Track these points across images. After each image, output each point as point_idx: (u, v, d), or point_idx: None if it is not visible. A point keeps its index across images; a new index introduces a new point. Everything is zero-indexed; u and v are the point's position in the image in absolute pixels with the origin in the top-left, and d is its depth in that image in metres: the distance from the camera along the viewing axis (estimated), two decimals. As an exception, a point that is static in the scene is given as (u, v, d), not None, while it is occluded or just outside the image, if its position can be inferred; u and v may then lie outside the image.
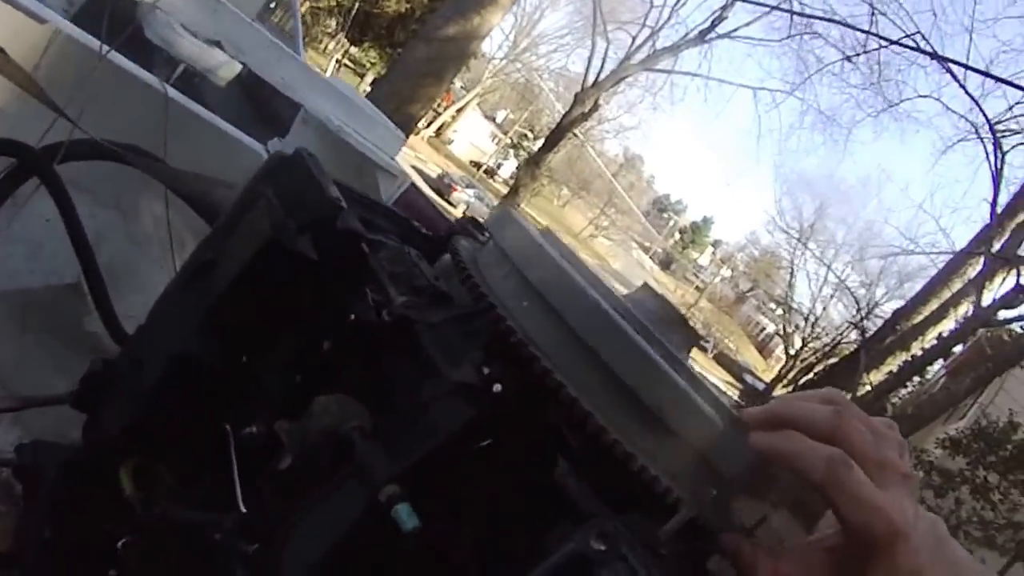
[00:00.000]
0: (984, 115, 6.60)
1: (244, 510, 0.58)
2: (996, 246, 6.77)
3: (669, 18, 12.00)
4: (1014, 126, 6.98)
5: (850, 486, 0.48)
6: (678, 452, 0.51)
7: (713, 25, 12.09)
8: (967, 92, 6.34)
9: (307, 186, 0.67)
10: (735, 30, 12.01)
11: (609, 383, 0.49)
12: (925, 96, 8.67)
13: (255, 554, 0.55)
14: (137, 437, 0.70)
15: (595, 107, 12.54)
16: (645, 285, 0.68)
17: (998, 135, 6.73)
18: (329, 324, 0.67)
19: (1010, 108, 6.87)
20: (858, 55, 8.47)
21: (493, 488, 0.54)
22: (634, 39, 12.65)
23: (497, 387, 0.51)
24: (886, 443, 0.50)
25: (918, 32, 6.26)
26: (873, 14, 6.83)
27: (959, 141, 8.62)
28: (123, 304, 1.06)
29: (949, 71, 6.04)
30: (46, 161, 1.05)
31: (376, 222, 0.82)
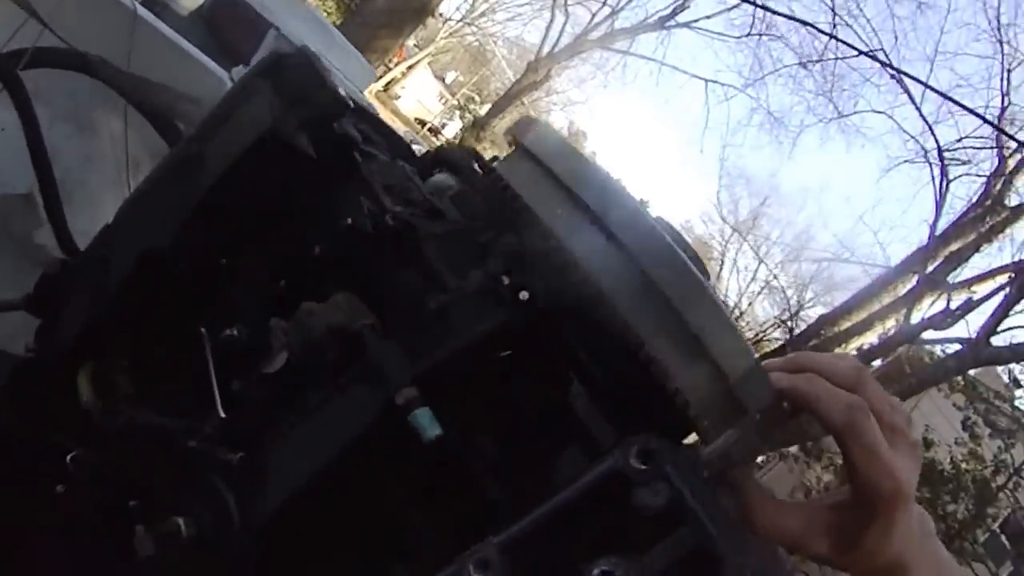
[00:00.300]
0: (936, 141, 6.92)
1: (223, 415, 0.54)
2: (929, 269, 7.15)
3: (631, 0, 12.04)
4: (961, 156, 7.36)
5: (867, 437, 0.48)
6: (709, 380, 0.50)
7: (674, 12, 12.21)
8: (922, 115, 6.64)
9: (312, 82, 0.62)
10: (695, 20, 12.17)
11: (652, 298, 0.47)
12: (879, 112, 8.99)
13: (239, 463, 0.51)
14: (97, 340, 0.64)
15: (547, 77, 12.52)
16: (659, 217, 0.67)
17: (946, 163, 7.09)
18: (321, 228, 0.62)
19: (960, 140, 7.25)
20: (814, 62, 8.73)
21: (504, 405, 0.52)
22: (593, 16, 12.64)
23: (524, 294, 0.48)
24: (897, 411, 0.51)
25: (880, 49, 6.50)
26: (835, 25, 7.04)
27: (906, 161, 9.00)
28: (74, 221, 0.99)
29: (907, 91, 6.31)
30: (10, 66, 0.96)
31: (370, 134, 0.77)
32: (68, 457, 0.69)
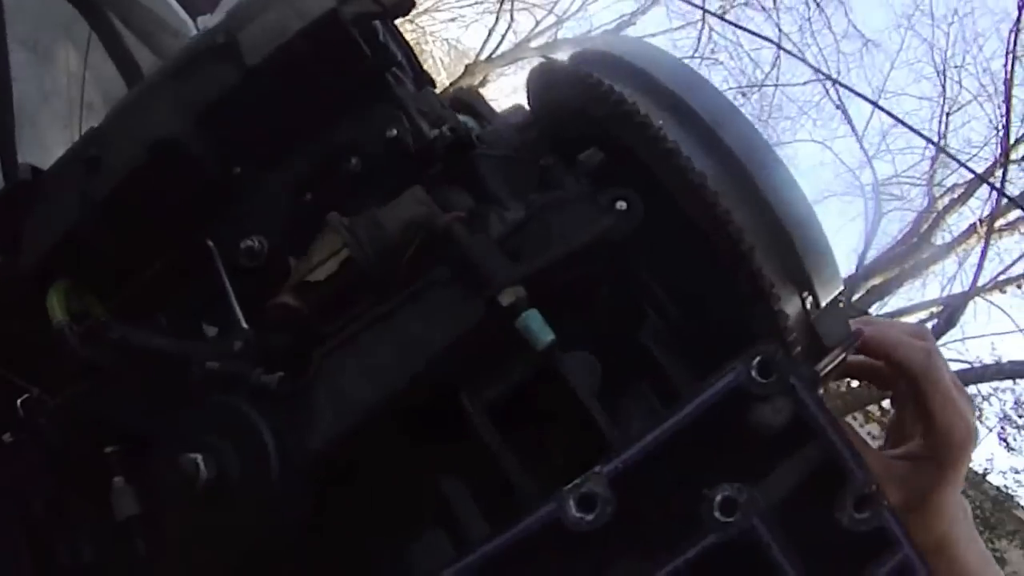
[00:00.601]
0: (874, 174, 7.38)
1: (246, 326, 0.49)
2: (853, 299, 7.56)
3: (578, 10, 12.35)
4: (895, 191, 7.89)
5: (944, 381, 0.52)
6: (799, 307, 0.50)
7: (619, 28, 12.59)
8: (862, 148, 7.07)
9: None
10: (640, 37, 12.60)
11: (761, 213, 0.46)
12: (818, 142, 9.48)
13: (280, 386, 0.46)
14: (76, 253, 0.57)
15: (483, 82, 12.62)
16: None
17: (880, 196, 7.59)
18: (358, 139, 0.58)
19: (895, 176, 7.77)
20: (756, 87, 9.17)
21: (586, 329, 0.50)
22: (538, 23, 12.87)
23: (622, 204, 0.46)
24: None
25: (829, 78, 6.90)
26: (780, 49, 7.43)
27: (843, 194, 9.49)
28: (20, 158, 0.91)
29: (849, 123, 6.70)
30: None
31: (401, 59, 0.74)
32: (20, 400, 0.62)
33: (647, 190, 0.47)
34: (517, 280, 0.41)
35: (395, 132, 0.57)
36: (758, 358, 0.41)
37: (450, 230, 0.44)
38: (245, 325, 0.50)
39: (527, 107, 0.80)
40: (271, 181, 0.57)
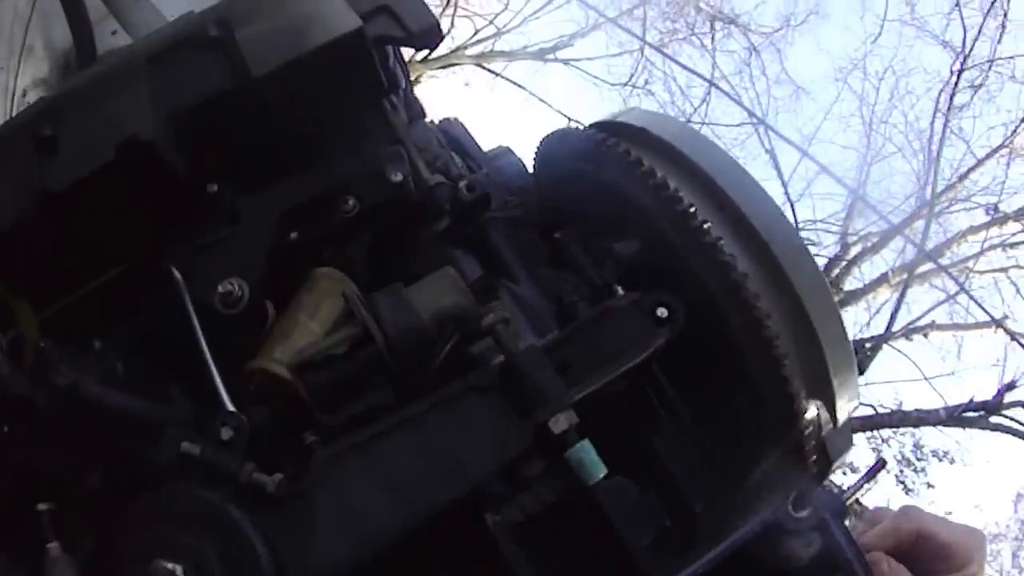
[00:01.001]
0: (795, 216, 7.75)
1: (233, 409, 0.42)
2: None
3: (519, 25, 12.48)
4: (812, 237, 8.35)
5: (934, 521, 0.54)
6: (818, 421, 0.51)
7: (556, 47, 12.78)
8: (787, 192, 7.40)
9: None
10: (577, 59, 12.83)
11: (800, 326, 0.47)
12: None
13: (280, 490, 0.39)
14: (13, 250, 0.48)
15: (416, 82, 12.55)
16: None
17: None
18: (359, 177, 0.53)
19: (812, 220, 8.24)
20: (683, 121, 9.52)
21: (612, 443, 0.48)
22: (476, 32, 12.91)
23: (662, 311, 0.45)
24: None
25: (760, 120, 7.18)
26: (711, 91, 7.71)
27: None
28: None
29: (776, 168, 7.00)
30: None
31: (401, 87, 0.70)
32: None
33: (678, 286, 0.47)
34: (570, 404, 0.39)
35: (400, 176, 0.52)
36: (794, 493, 0.41)
37: (495, 333, 0.40)
38: (232, 407, 0.44)
39: (515, 153, 0.78)
40: (254, 210, 0.51)
